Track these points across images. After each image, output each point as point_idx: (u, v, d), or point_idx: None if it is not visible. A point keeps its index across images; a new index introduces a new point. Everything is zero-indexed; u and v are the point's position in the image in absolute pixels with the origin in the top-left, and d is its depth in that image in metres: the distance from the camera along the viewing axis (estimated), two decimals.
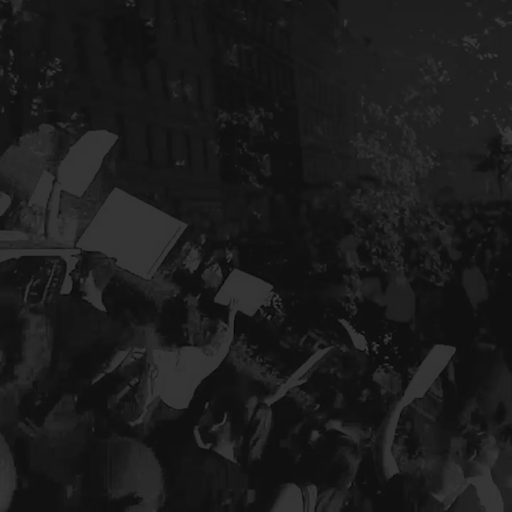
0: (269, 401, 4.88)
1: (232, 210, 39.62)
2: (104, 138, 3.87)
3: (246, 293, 4.29)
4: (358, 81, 25.21)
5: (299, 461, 3.60)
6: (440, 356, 3.82)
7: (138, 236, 3.86)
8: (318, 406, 4.94)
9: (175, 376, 4.17)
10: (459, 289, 9.08)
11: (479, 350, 9.24)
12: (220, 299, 4.28)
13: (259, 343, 9.65)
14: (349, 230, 16.62)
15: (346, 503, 3.22)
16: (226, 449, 3.21)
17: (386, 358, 15.03)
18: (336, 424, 4.08)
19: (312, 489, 3.11)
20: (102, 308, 3.75)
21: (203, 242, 15.34)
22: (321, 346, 15.39)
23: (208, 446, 3.21)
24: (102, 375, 3.92)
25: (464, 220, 15.91)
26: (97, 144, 3.78)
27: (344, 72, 56.33)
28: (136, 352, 4.05)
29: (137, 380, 3.94)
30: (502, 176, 60.33)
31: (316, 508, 3.09)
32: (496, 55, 42.07)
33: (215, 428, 3.19)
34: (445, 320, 9.70)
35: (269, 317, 16.33)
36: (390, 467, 3.52)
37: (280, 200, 44.40)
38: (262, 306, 14.92)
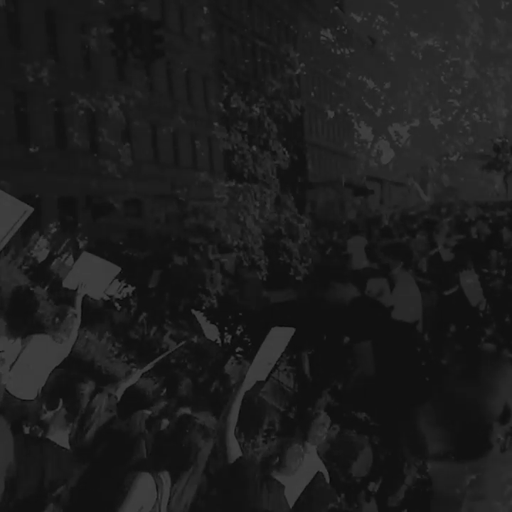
0: (124, 385, 4.95)
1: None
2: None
3: (94, 276, 4.30)
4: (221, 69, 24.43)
5: (151, 449, 3.55)
6: (279, 338, 3.81)
7: None
8: (164, 390, 4.90)
9: (21, 366, 4.09)
10: (458, 291, 9.12)
11: (484, 351, 9.25)
12: (68, 283, 4.23)
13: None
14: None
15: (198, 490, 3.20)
16: (59, 436, 3.13)
17: (238, 349, 14.74)
18: (185, 411, 4.02)
19: (165, 476, 3.08)
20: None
21: (52, 230, 14.97)
22: (172, 337, 15.44)
23: (39, 434, 3.13)
24: None
25: (470, 220, 15.87)
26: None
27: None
28: None
29: None
30: (508, 176, 60.24)
31: (170, 495, 3.06)
32: (352, 50, 42.59)
33: (48, 414, 3.12)
34: (448, 321, 9.72)
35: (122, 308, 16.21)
36: (233, 451, 3.49)
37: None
38: (117, 299, 14.92)
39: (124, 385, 4.91)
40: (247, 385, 3.65)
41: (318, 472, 3.93)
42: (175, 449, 3.13)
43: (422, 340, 4.21)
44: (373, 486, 3.87)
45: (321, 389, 8.34)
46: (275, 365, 5.22)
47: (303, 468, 3.78)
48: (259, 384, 4.18)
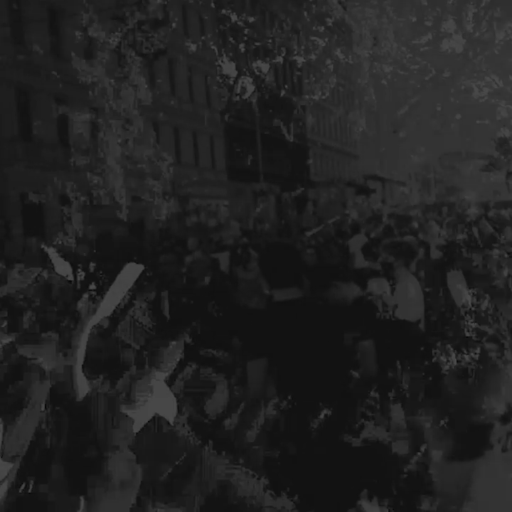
0: None
1: (238, 209, 39.70)
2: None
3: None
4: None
5: None
6: (130, 273, 3.91)
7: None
8: (5, 323, 4.72)
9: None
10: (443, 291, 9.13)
11: (486, 350, 9.24)
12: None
13: None
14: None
15: (43, 426, 3.16)
16: None
17: (92, 286, 14.20)
18: (26, 350, 3.86)
19: None
20: None
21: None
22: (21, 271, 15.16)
23: None
24: None
25: (471, 220, 15.90)
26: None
27: None
28: None
29: None
30: (510, 176, 60.25)
31: (4, 438, 3.01)
32: None
33: None
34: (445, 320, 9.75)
35: None
36: (82, 387, 3.45)
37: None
38: None
39: None
40: (96, 319, 3.61)
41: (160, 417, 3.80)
42: (6, 392, 3.07)
43: (425, 339, 4.20)
44: (229, 423, 3.84)
45: (180, 328, 8.19)
46: (131, 302, 5.27)
47: (153, 402, 3.75)
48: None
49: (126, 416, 3.38)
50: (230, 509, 3.03)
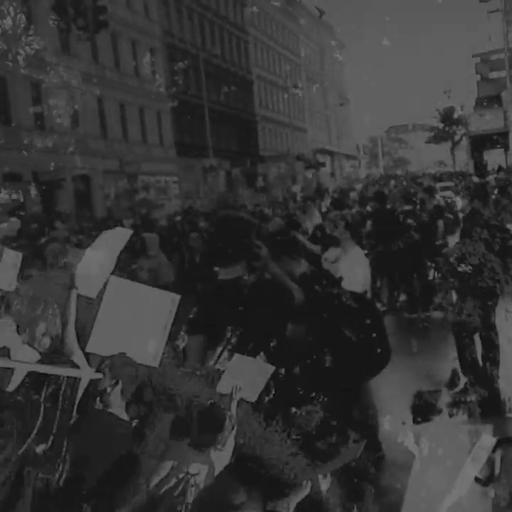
0: None
1: (188, 185, 39.39)
2: (119, 234, 3.69)
3: (247, 378, 4.00)
4: None
5: None
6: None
7: (138, 322, 3.66)
8: None
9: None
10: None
11: (432, 319, 9.50)
12: (221, 388, 3.94)
13: None
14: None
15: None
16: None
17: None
18: None
19: None
20: (126, 417, 3.50)
21: None
22: None
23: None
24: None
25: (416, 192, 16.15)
26: (112, 242, 3.62)
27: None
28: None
29: None
30: (455, 147, 61.49)
31: None
32: None
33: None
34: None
35: None
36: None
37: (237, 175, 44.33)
38: None
39: None
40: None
41: None
42: None
43: (372, 311, 4.23)
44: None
45: None
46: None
47: None
48: None
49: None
50: None
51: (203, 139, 40.01)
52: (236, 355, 3.98)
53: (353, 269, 5.42)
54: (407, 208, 10.44)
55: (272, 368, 3.90)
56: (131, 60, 37.00)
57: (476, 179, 22.22)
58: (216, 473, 3.42)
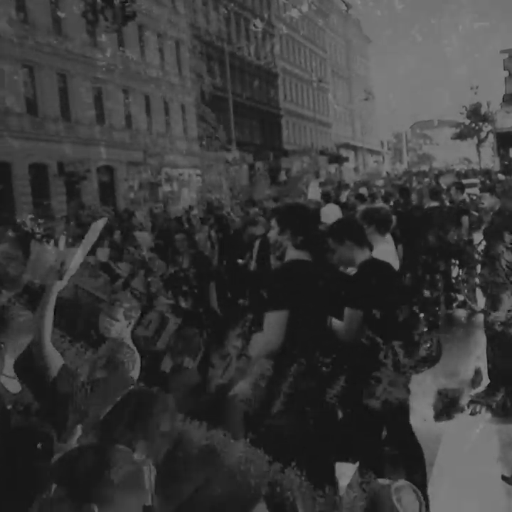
0: None
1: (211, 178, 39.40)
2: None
3: None
4: None
5: None
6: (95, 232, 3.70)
7: None
8: None
9: None
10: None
11: (456, 316, 9.41)
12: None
13: None
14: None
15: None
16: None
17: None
18: None
19: None
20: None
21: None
22: None
23: None
24: None
25: (442, 188, 15.98)
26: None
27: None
28: None
29: None
30: (480, 144, 60.71)
31: None
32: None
33: None
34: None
35: None
36: (53, 359, 3.21)
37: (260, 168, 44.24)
38: None
39: None
40: (61, 284, 3.24)
41: None
42: None
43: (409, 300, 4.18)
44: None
45: None
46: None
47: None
48: None
49: (104, 379, 3.21)
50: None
51: (227, 132, 39.98)
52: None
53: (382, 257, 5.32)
54: (433, 204, 10.33)
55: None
56: (157, 52, 37.05)
57: (502, 176, 21.91)
58: None
